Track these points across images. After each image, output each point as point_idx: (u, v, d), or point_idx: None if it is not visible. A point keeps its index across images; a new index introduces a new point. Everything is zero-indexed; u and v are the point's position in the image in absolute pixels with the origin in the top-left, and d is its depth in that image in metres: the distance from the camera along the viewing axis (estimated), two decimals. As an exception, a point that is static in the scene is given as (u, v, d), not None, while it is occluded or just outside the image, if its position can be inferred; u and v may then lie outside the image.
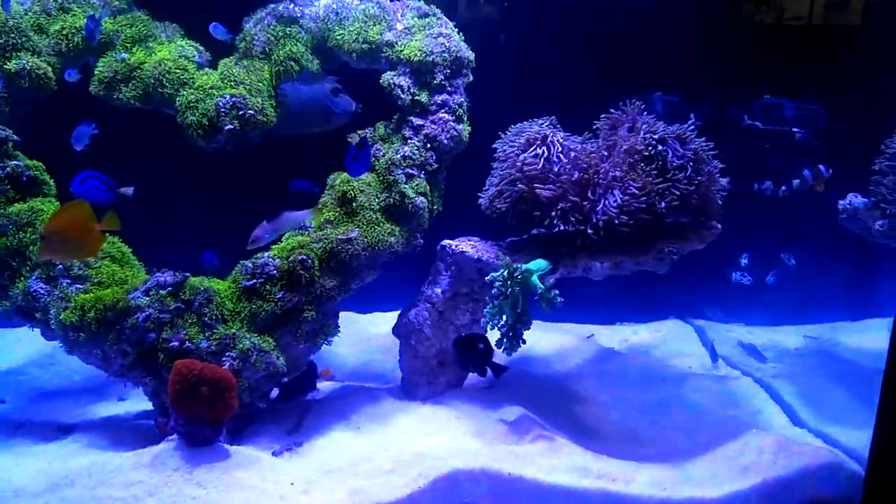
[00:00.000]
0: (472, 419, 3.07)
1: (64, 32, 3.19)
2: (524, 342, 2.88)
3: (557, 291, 2.76)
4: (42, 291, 2.87)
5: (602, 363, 3.85)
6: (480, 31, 3.90)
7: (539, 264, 2.87)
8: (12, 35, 3.06)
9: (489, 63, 3.50)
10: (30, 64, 3.05)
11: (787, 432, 3.04)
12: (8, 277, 2.92)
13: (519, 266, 2.82)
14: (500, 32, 4.18)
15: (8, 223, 2.91)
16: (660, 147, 2.91)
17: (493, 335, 2.90)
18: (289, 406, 3.16)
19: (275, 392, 3.13)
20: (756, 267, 4.22)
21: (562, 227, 3.01)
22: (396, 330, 3.32)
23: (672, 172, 2.89)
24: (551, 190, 2.91)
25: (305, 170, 3.53)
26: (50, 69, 3.12)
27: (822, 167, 3.56)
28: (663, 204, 2.89)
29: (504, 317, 2.85)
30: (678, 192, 2.89)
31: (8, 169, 2.96)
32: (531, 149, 3.01)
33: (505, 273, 2.80)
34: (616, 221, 2.84)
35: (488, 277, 2.88)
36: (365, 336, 4.12)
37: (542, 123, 3.18)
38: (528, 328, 2.87)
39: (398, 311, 4.48)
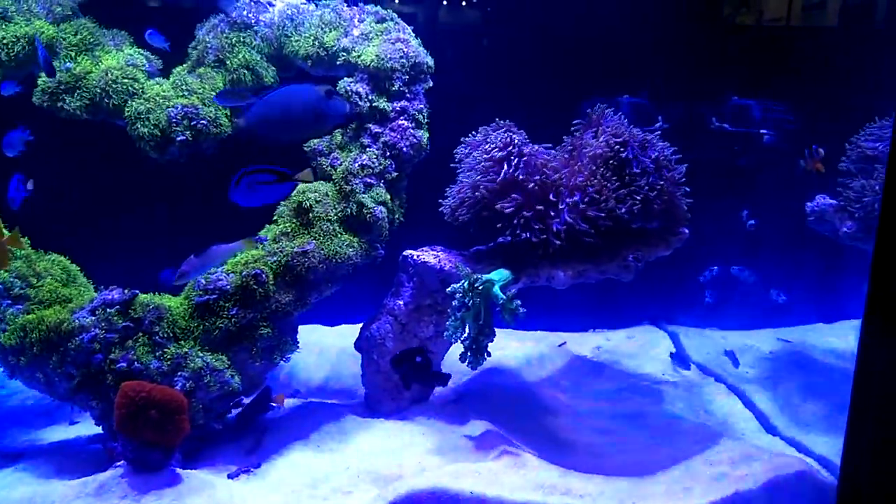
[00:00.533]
0: (437, 435, 2.97)
1: (4, 42, 3.07)
2: (489, 355, 2.79)
3: (519, 302, 2.68)
4: (-18, 313, 2.74)
5: (574, 372, 3.77)
6: (441, 35, 3.82)
7: (501, 274, 2.78)
8: (-51, 45, 2.94)
9: (449, 67, 3.42)
10: (-34, 75, 2.93)
11: (758, 440, 2.97)
12: (-54, 299, 2.78)
13: (480, 277, 2.73)
14: (461, 36, 4.11)
15: (-55, 242, 2.77)
16: (621, 152, 2.84)
17: (458, 348, 2.81)
18: (253, 424, 3.05)
19: (233, 413, 3.02)
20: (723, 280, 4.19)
21: (524, 236, 2.93)
22: (358, 344, 3.22)
23: (633, 177, 2.82)
24: (511, 201, 2.83)
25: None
26: (-11, 82, 3.00)
27: (814, 147, 3.45)
28: (623, 209, 2.82)
29: (467, 329, 2.76)
30: (639, 198, 2.82)
31: (-55, 185, 2.83)
32: (492, 154, 2.92)
33: (465, 284, 2.71)
34: (577, 228, 2.76)
35: (449, 289, 2.79)
36: (331, 349, 4.01)
37: (503, 129, 3.10)
38: (492, 340, 2.78)
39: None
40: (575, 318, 4.41)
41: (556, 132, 3.24)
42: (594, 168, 2.86)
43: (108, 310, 2.74)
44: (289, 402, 3.38)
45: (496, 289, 2.71)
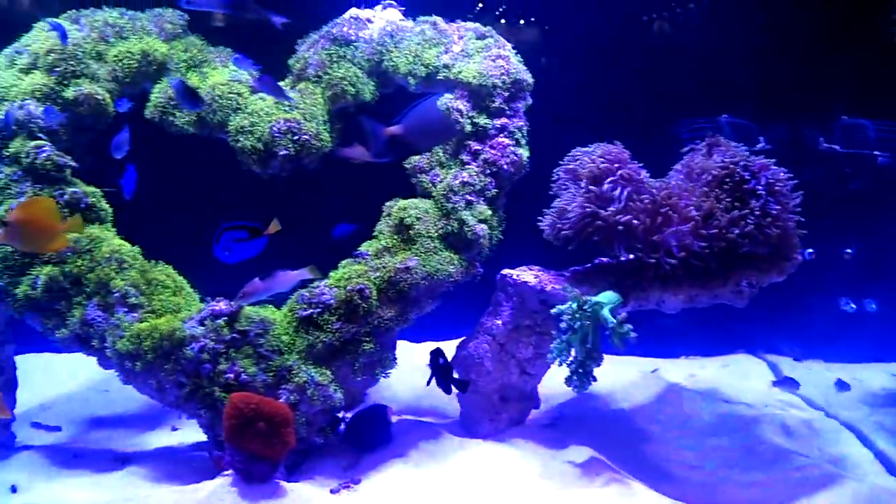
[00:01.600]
0: (537, 459, 2.90)
1: (120, 58, 3.18)
2: (595, 379, 2.72)
3: (630, 326, 2.59)
4: (99, 319, 2.82)
5: (670, 400, 3.64)
6: (537, 54, 3.78)
7: (609, 297, 2.70)
8: (70, 62, 3.05)
9: (544, 86, 3.37)
10: (87, 91, 3.04)
11: (881, 481, 2.79)
12: (66, 305, 2.87)
13: (588, 298, 2.66)
14: (556, 55, 4.06)
15: (66, 250, 2.87)
16: (737, 174, 2.73)
17: (562, 371, 2.74)
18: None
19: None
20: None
21: (630, 256, 2.86)
22: (454, 362, 3.18)
23: (747, 200, 2.71)
24: (624, 215, 2.75)
25: (360, 191, 3.46)
26: (108, 96, 3.10)
27: None
28: (737, 232, 2.71)
29: (573, 352, 2.69)
30: (753, 221, 2.70)
31: (66, 196, 2.93)
32: (599, 171, 2.85)
33: (574, 306, 2.64)
34: (695, 249, 2.67)
35: (554, 310, 2.73)
36: (418, 367, 3.99)
37: (607, 148, 3.03)
38: (599, 365, 2.70)
39: (453, 341, 4.36)
40: (665, 344, 4.28)
41: (653, 152, 3.16)
42: (707, 189, 2.76)
43: (217, 321, 2.78)
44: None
45: (605, 311, 2.64)
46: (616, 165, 2.84)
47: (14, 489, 2.75)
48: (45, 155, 2.92)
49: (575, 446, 3.02)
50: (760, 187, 2.68)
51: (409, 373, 3.86)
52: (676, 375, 4.02)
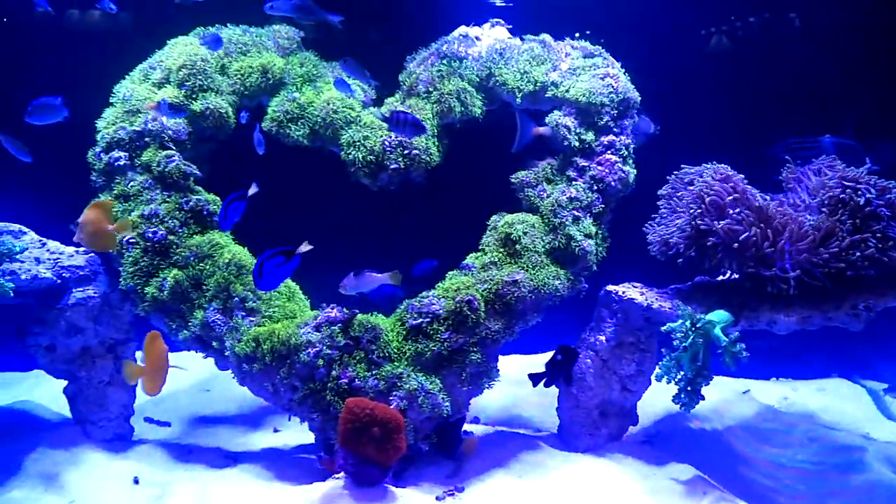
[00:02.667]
0: (639, 475, 2.91)
1: (242, 72, 3.33)
2: (703, 398, 2.72)
3: (743, 346, 2.59)
4: (219, 322, 2.95)
5: (764, 423, 3.60)
6: (640, 73, 3.79)
7: (721, 316, 2.70)
8: (199, 77, 3.22)
9: (645, 104, 3.40)
10: (213, 104, 3.20)
11: None
12: (188, 307, 3.02)
13: (701, 317, 2.66)
14: (655, 74, 4.07)
15: (190, 255, 3.02)
16: (857, 194, 2.70)
17: (656, 389, 2.75)
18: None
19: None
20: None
21: (734, 276, 2.86)
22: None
23: (871, 223, 2.68)
24: (739, 231, 2.74)
25: (462, 202, 3.53)
26: (230, 109, 3.26)
27: None
28: (857, 254, 2.68)
29: (682, 370, 2.70)
30: (874, 245, 2.66)
31: (191, 203, 3.09)
32: (710, 189, 2.85)
33: (687, 324, 2.65)
34: (810, 269, 2.65)
35: (665, 328, 2.74)
36: (506, 379, 4.02)
37: (717, 166, 3.03)
38: (708, 383, 2.70)
39: (537, 355, 4.39)
40: (754, 365, 4.20)
41: (753, 173, 3.14)
42: (825, 209, 2.74)
43: (332, 327, 2.88)
44: (477, 429, 3.43)
45: (717, 330, 2.64)
46: (730, 185, 2.84)
47: (136, 481, 2.89)
48: (173, 164, 3.08)
49: (675, 464, 3.01)
50: (884, 209, 2.64)
51: (496, 385, 3.91)
52: (769, 397, 3.96)
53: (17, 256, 2.85)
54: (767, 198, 2.89)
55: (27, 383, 4.07)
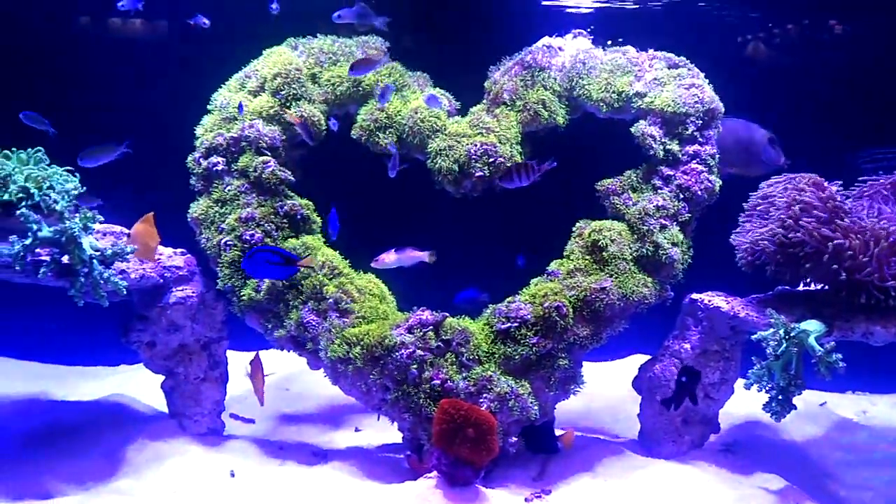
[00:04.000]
0: (725, 483, 2.92)
1: (332, 82, 3.44)
2: (794, 407, 2.73)
3: (840, 356, 2.59)
4: (313, 323, 3.06)
5: (846, 436, 3.57)
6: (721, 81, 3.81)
7: (815, 325, 2.71)
8: (293, 86, 3.34)
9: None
10: (307, 112, 3.31)
11: None
12: (283, 308, 3.13)
13: (794, 326, 2.68)
14: (735, 84, 4.08)
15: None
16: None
17: (743, 397, 2.77)
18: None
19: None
20: None
21: (819, 286, 2.87)
22: (638, 384, 3.25)
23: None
24: (833, 239, 2.74)
25: (542, 212, 3.59)
26: (323, 117, 3.37)
27: None
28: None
29: (773, 379, 2.71)
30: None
31: (286, 207, 3.21)
32: (801, 197, 2.86)
33: (781, 332, 2.67)
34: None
35: (756, 336, 2.75)
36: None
37: (805, 174, 3.03)
38: (800, 392, 2.71)
39: (606, 362, 4.41)
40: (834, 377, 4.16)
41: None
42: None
43: (424, 329, 2.96)
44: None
45: (811, 340, 2.65)
46: (823, 193, 2.84)
47: (232, 474, 3.00)
48: (269, 169, 3.20)
49: (760, 473, 3.02)
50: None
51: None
52: (846, 411, 3.93)
53: (127, 256, 2.98)
54: (857, 212, 2.89)
55: (116, 378, 4.24)
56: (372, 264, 3.15)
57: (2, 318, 4.32)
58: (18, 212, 2.75)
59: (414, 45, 3.73)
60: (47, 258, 2.77)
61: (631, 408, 3.41)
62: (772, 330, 2.71)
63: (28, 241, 2.73)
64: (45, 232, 2.76)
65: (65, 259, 2.78)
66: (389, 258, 3.13)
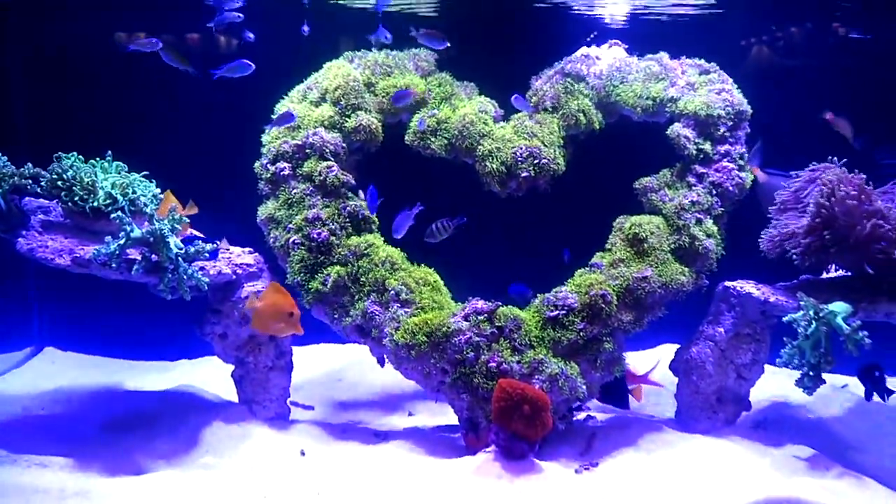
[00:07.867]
0: (759, 454, 3.17)
1: (387, 92, 3.72)
2: (823, 382, 2.97)
3: (866, 333, 2.84)
4: (377, 313, 3.33)
5: (869, 416, 3.79)
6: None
7: (842, 307, 2.95)
8: (352, 97, 3.62)
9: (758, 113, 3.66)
10: (365, 121, 3.59)
11: None
12: (348, 300, 3.41)
13: (823, 307, 2.92)
14: (760, 82, 4.32)
15: (349, 254, 3.41)
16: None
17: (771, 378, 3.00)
18: (576, 429, 3.41)
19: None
20: None
21: (842, 273, 3.12)
22: (674, 365, 3.50)
23: None
24: (868, 222, 2.95)
25: (591, 209, 3.84)
26: (380, 125, 3.65)
27: None
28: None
29: (804, 357, 2.95)
30: None
31: (349, 208, 3.49)
32: (834, 187, 3.08)
33: (811, 313, 2.92)
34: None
35: (787, 318, 3.00)
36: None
37: (835, 167, 3.24)
38: (830, 369, 2.95)
39: (637, 352, 4.65)
40: (847, 359, 4.37)
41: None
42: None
43: (479, 317, 3.23)
44: (601, 417, 3.72)
45: (839, 319, 2.90)
46: (852, 183, 3.06)
47: (303, 453, 3.27)
48: (333, 174, 3.49)
49: (791, 445, 3.27)
50: None
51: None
52: (869, 393, 4.15)
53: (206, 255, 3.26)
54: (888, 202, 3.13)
55: (179, 372, 4.52)
56: (395, 235, 3.36)
57: (72, 315, 4.63)
58: (113, 215, 3.04)
59: (462, 57, 3.99)
60: (138, 256, 3.05)
61: (665, 393, 3.67)
62: (802, 312, 2.96)
63: (122, 241, 3.02)
64: (137, 233, 3.05)
65: (153, 257, 3.06)
66: (406, 217, 3.35)
